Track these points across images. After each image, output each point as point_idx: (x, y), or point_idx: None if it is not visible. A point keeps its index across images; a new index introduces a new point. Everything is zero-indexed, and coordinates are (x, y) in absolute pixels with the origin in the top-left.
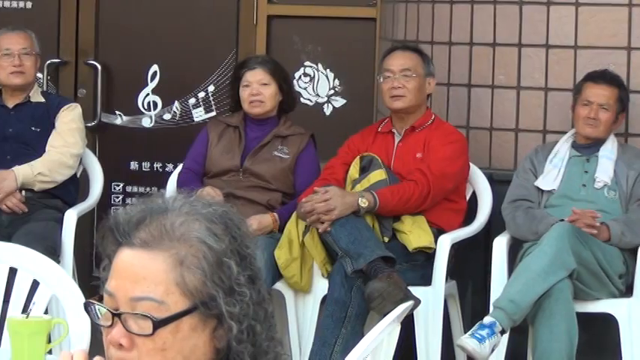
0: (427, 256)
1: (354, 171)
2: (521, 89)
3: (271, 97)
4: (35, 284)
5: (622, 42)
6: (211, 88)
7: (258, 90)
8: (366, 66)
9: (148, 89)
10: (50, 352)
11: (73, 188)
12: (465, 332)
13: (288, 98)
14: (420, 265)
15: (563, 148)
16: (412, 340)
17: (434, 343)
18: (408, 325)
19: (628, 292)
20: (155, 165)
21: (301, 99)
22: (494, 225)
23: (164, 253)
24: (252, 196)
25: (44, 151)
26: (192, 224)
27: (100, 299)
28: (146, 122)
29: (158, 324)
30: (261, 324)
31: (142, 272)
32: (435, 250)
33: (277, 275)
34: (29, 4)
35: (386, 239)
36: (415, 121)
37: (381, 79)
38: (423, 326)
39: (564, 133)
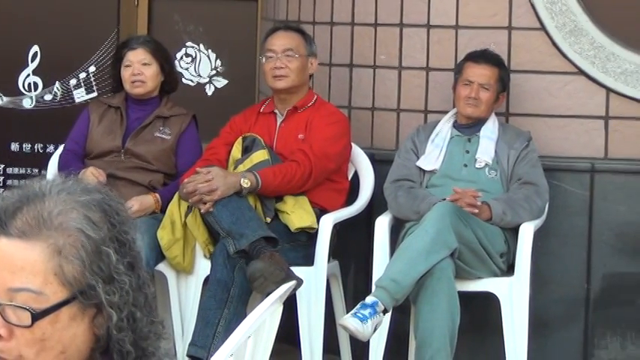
0: (309, 236)
1: (236, 151)
2: (403, 69)
3: (153, 77)
4: None
5: (502, 22)
6: (92, 69)
7: (140, 70)
8: (248, 46)
9: (29, 70)
10: None
11: None
12: (348, 312)
13: (170, 79)
14: (303, 245)
15: (444, 128)
16: (295, 320)
17: (316, 323)
18: (290, 306)
19: (509, 271)
20: (36, 146)
21: (183, 79)
22: (376, 205)
23: (42, 243)
24: (133, 177)
25: None
26: (70, 213)
27: None
28: (27, 103)
29: (37, 316)
30: (142, 310)
31: (19, 262)
32: (318, 230)
33: (160, 256)
34: None
35: (268, 219)
36: (297, 101)
37: (264, 60)
38: (306, 306)
39: (445, 112)
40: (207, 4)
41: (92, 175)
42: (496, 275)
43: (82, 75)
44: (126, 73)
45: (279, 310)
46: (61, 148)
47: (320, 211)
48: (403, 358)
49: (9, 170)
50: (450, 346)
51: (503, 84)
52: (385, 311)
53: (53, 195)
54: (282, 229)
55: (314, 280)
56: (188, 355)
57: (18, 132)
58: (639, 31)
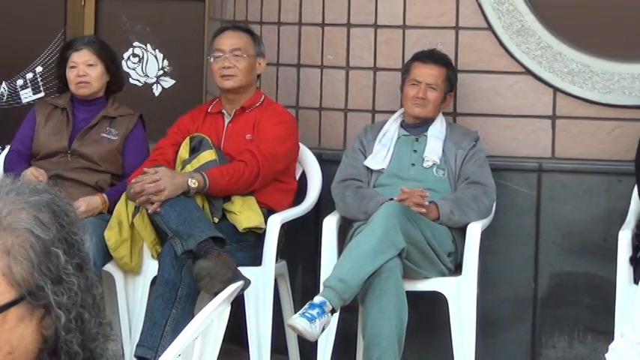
0: (257, 236)
1: (183, 151)
2: (350, 69)
3: (98, 77)
4: None
5: (450, 22)
6: (39, 69)
7: (85, 71)
8: (196, 46)
9: None
10: None
11: None
12: (296, 312)
13: (116, 79)
14: (250, 245)
15: (392, 128)
16: (243, 321)
17: (264, 323)
18: (238, 306)
19: (457, 270)
20: None
21: (130, 79)
22: (324, 205)
23: None
24: (80, 178)
25: None
26: (19, 213)
27: None
28: None
29: None
30: (90, 311)
31: None
32: (265, 230)
33: (107, 256)
34: None
35: (216, 220)
36: (245, 101)
37: (212, 59)
38: (254, 306)
39: (393, 112)
40: (155, 5)
41: (32, 175)
42: (444, 275)
43: (29, 75)
44: (71, 75)
45: (226, 310)
46: (7, 148)
47: (268, 211)
48: (351, 358)
49: None
50: (398, 346)
51: (450, 84)
52: (333, 311)
53: (2, 195)
54: (230, 229)
55: (262, 281)
56: (136, 356)
57: None
58: (586, 31)
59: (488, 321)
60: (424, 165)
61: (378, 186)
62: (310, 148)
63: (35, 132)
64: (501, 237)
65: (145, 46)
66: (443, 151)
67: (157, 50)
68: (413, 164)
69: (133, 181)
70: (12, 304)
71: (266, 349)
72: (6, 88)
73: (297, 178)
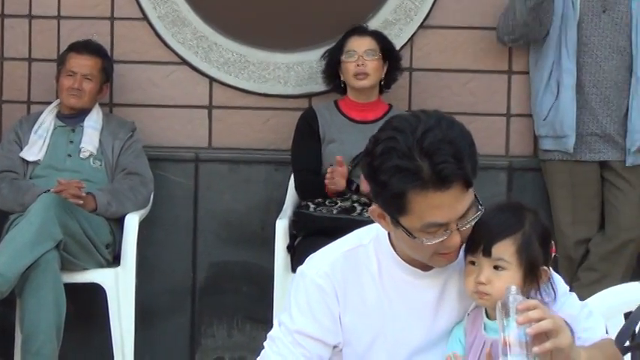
0: None
1: None
2: (5, 60)
3: None
4: None
5: (105, 12)
6: None
7: None
8: None
9: None
10: None
11: None
12: None
13: None
14: None
15: (48, 119)
16: None
17: None
18: None
19: (115, 261)
20: None
21: None
22: None
23: None
24: None
25: None
26: None
27: None
28: None
29: None
30: None
31: None
32: None
33: None
34: None
35: None
36: None
37: None
38: None
39: (49, 103)
40: None
41: None
42: (102, 266)
43: None
44: None
45: None
46: None
47: None
48: (10, 352)
49: None
50: (57, 338)
51: (106, 74)
52: None
53: None
54: None
55: None
56: None
57: None
58: (241, 22)
59: (147, 311)
60: (81, 156)
61: (34, 177)
62: None
63: None
64: (160, 227)
65: None
66: (100, 141)
67: None
68: (69, 155)
69: None
70: None
71: None
72: None
73: None
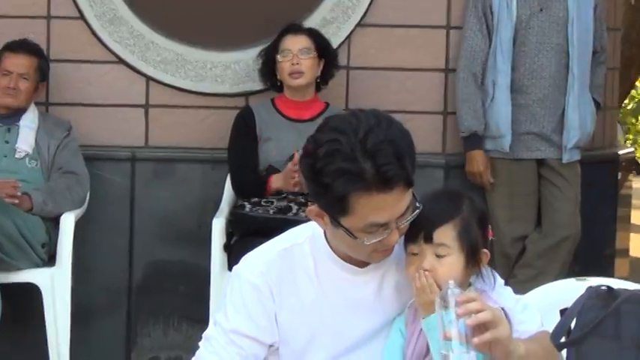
0: None
1: None
2: None
3: None
4: None
5: (41, 11)
6: None
7: None
8: None
9: None
10: None
11: None
12: None
13: None
14: None
15: None
16: None
17: None
18: None
19: (51, 261)
20: None
21: None
22: None
23: None
24: None
25: None
26: None
27: None
28: None
29: None
30: None
31: None
32: None
33: None
34: None
35: None
36: None
37: None
38: None
39: None
40: None
41: None
42: (38, 266)
43: None
44: None
45: None
46: None
47: None
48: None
49: None
50: None
51: (42, 73)
52: None
53: None
54: None
55: None
56: None
57: None
58: (178, 20)
59: (83, 311)
60: (16, 156)
61: None
62: None
63: None
64: (96, 226)
65: None
66: (36, 141)
67: None
68: (5, 155)
69: None
70: None
71: None
72: None
73: None
